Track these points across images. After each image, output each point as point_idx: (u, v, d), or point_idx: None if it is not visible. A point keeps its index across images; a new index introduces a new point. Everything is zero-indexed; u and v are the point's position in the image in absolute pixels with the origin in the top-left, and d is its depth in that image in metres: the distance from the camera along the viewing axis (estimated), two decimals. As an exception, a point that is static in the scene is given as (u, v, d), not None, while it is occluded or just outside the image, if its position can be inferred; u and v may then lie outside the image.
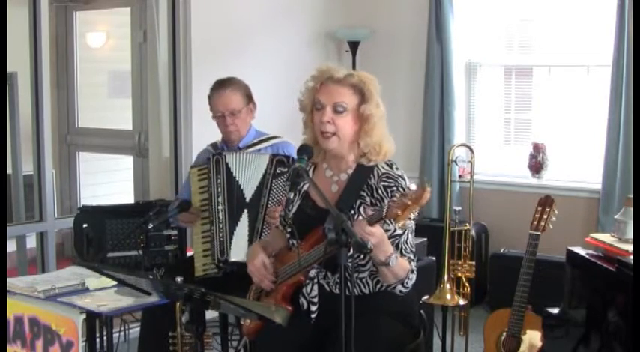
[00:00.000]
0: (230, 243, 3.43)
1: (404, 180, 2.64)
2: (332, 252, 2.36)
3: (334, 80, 2.65)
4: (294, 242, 2.68)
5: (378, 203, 2.59)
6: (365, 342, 2.44)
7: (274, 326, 2.36)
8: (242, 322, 2.80)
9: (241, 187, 3.48)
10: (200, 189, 3.53)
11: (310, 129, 2.72)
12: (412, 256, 2.61)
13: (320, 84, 2.67)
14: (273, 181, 3.45)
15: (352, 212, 2.60)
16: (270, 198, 3.44)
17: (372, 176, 2.65)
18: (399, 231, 2.56)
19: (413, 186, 2.39)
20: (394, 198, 2.43)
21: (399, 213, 2.34)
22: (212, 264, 3.46)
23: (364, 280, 2.65)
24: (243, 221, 3.45)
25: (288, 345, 2.60)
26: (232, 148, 3.67)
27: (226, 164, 3.50)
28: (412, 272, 2.59)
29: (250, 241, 3.41)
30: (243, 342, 2.80)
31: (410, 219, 2.56)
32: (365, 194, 2.63)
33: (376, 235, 2.40)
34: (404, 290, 2.59)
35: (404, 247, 2.58)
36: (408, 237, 2.61)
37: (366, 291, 2.66)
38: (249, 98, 3.69)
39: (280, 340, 2.60)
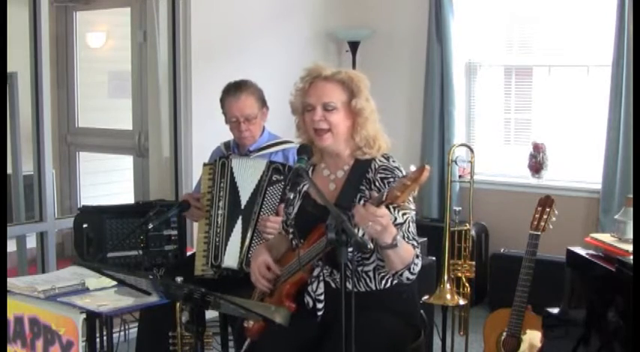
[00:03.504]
0: (225, 248, 3.41)
1: (401, 171, 2.64)
2: (330, 247, 2.36)
3: (322, 78, 2.67)
4: (296, 241, 2.68)
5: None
6: (368, 339, 2.45)
7: (277, 326, 2.35)
8: (245, 324, 2.79)
9: (239, 193, 3.45)
10: (208, 188, 3.52)
11: (304, 132, 2.73)
12: (415, 243, 2.60)
13: (309, 84, 2.68)
14: (268, 189, 3.41)
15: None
16: (264, 206, 3.40)
17: (369, 170, 2.66)
18: (400, 220, 2.55)
19: (412, 168, 2.36)
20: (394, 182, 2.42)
21: (399, 194, 2.32)
22: (208, 265, 3.46)
23: (370, 274, 2.65)
24: (238, 227, 3.42)
25: (292, 343, 2.60)
26: (243, 151, 3.65)
27: (231, 168, 3.48)
28: (417, 257, 2.58)
29: (241, 248, 3.39)
30: (247, 345, 2.79)
31: (410, 207, 2.56)
32: (364, 188, 2.64)
33: (386, 216, 2.37)
34: (411, 276, 2.57)
35: (406, 235, 2.58)
36: (409, 226, 2.60)
37: (373, 287, 2.66)
38: (262, 102, 3.64)
39: (284, 338, 2.60)
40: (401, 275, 2.56)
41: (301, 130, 2.75)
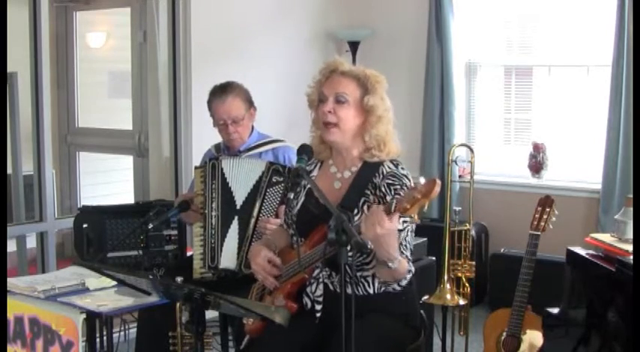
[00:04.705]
0: (221, 249, 3.39)
1: (408, 179, 2.63)
2: (332, 253, 2.36)
3: (339, 72, 2.68)
4: (297, 239, 2.68)
5: (381, 200, 2.59)
6: (367, 342, 2.44)
7: (276, 325, 2.35)
8: (244, 321, 2.79)
9: (233, 194, 3.44)
10: (200, 190, 3.51)
11: (318, 127, 2.73)
12: (409, 254, 2.60)
13: (325, 78, 2.70)
14: (268, 190, 3.39)
15: (356, 210, 2.59)
16: (264, 208, 3.39)
17: (377, 174, 2.65)
18: (399, 227, 2.53)
19: (422, 180, 2.34)
20: (402, 193, 2.42)
21: (408, 206, 2.31)
22: (205, 268, 3.44)
23: (368, 279, 2.64)
24: (234, 228, 3.40)
25: (291, 344, 2.60)
26: (233, 152, 3.65)
27: (221, 169, 3.46)
28: (409, 272, 2.59)
29: (240, 249, 3.37)
30: (246, 341, 2.79)
31: (415, 217, 2.56)
32: (369, 192, 2.63)
33: (384, 226, 2.34)
34: (397, 288, 2.61)
35: (403, 243, 2.57)
36: (407, 235, 2.60)
37: (371, 291, 2.65)
38: (249, 103, 3.64)
39: (283, 339, 2.59)
40: (388, 284, 2.59)
41: (316, 126, 2.75)
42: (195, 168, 3.63)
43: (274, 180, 3.40)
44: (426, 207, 2.37)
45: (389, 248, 2.42)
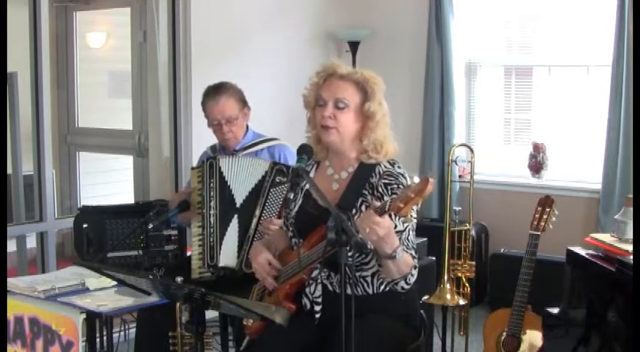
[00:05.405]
0: (220, 248, 3.39)
1: (405, 178, 2.64)
2: (331, 252, 2.36)
3: (337, 76, 2.67)
4: (296, 240, 2.68)
5: (379, 201, 2.59)
6: (367, 342, 2.44)
7: (276, 326, 2.35)
8: (245, 322, 2.79)
9: (233, 192, 3.44)
10: (197, 190, 3.51)
11: (314, 127, 2.73)
12: (414, 253, 2.61)
13: (323, 80, 2.69)
14: (271, 190, 3.40)
15: (354, 210, 2.59)
16: (267, 208, 3.39)
17: (373, 174, 2.65)
18: (400, 227, 2.55)
19: (416, 179, 2.36)
20: (399, 192, 2.42)
21: (402, 205, 2.32)
22: (205, 267, 3.44)
23: (367, 279, 2.64)
24: (234, 226, 3.41)
25: (290, 345, 2.60)
26: (229, 152, 3.65)
27: (219, 168, 3.46)
28: (415, 268, 2.59)
29: (240, 248, 3.37)
30: (246, 342, 2.79)
31: (412, 216, 2.57)
32: (366, 192, 2.63)
33: (384, 226, 2.37)
34: (406, 286, 2.59)
35: (405, 244, 2.58)
36: (409, 234, 2.60)
37: (370, 292, 2.65)
38: (243, 102, 3.65)
39: (283, 340, 2.59)
40: (396, 283, 2.57)
41: (312, 125, 2.75)
42: (192, 168, 3.63)
43: (278, 180, 3.40)
44: (419, 205, 2.38)
45: (393, 240, 2.44)
